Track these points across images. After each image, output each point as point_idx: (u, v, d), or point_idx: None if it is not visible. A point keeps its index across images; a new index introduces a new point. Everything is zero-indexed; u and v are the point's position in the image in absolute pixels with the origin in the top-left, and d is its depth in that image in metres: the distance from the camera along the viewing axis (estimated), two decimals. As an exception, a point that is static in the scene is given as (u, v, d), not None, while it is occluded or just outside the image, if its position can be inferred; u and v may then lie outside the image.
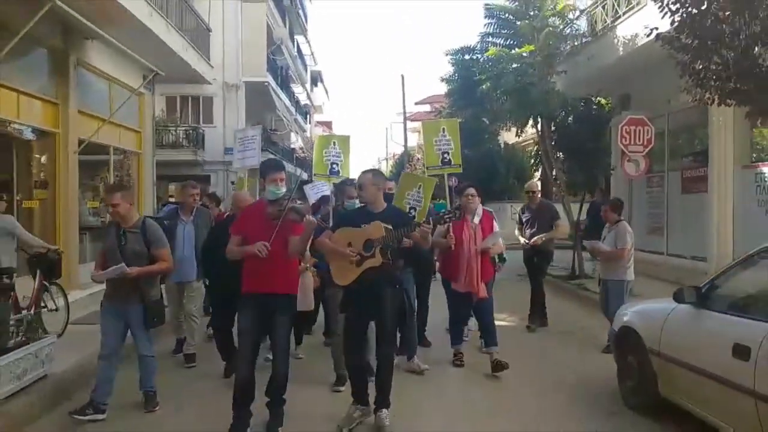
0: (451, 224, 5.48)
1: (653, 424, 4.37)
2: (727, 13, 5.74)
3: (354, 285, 4.29)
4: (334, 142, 6.89)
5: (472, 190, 5.88)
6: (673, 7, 6.16)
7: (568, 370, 5.83)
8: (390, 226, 4.11)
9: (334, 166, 6.73)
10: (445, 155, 6.36)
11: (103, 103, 10.40)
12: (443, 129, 6.47)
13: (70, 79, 8.95)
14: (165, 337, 6.67)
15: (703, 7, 5.88)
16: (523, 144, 22.50)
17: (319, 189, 7.04)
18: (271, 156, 23.44)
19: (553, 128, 12.14)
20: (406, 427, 4.41)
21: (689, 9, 5.97)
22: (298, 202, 4.37)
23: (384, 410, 4.30)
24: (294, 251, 4.20)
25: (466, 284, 5.67)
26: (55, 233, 8.70)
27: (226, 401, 4.30)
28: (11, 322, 5.09)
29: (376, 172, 4.76)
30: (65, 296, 7.05)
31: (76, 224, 9.22)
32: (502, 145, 24.97)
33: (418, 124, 46.75)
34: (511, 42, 12.58)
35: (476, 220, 5.83)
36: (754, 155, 9.36)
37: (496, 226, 6.00)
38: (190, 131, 21.45)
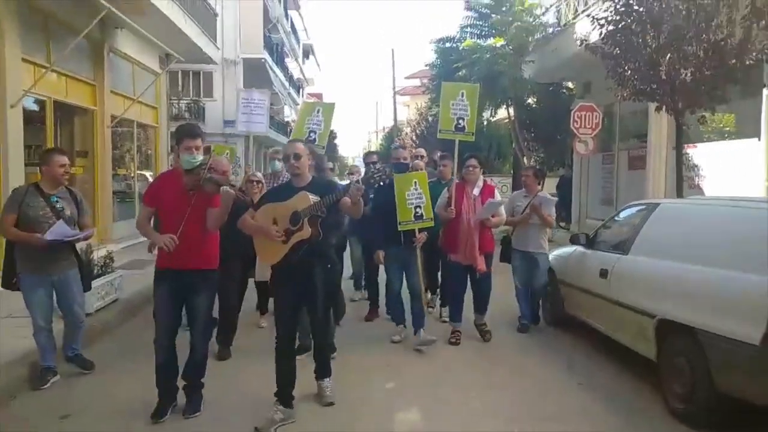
0: (451, 195, 5.59)
1: (558, 332, 6.19)
2: (639, 29, 7.41)
3: (283, 263, 3.93)
4: (319, 110, 6.41)
5: (473, 161, 5.71)
6: (602, 22, 7.81)
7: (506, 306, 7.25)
8: (317, 197, 3.80)
9: (312, 134, 6.20)
10: (460, 121, 6.01)
11: (128, 83, 11.96)
12: (462, 93, 6.10)
13: (105, 64, 10.51)
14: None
15: (622, 24, 7.54)
16: (505, 121, 24.32)
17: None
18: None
19: (521, 111, 13.80)
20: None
21: (611, 25, 7.63)
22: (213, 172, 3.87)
23: (326, 379, 4.22)
24: (212, 225, 3.92)
25: (466, 256, 5.59)
26: (93, 196, 10.32)
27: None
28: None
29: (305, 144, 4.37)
30: None
31: (110, 188, 10.86)
32: (485, 123, 26.72)
33: (408, 98, 48.09)
34: (486, 33, 14.14)
35: (476, 191, 5.68)
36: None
37: (497, 196, 5.80)
38: (192, 104, 22.88)
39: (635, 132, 12.70)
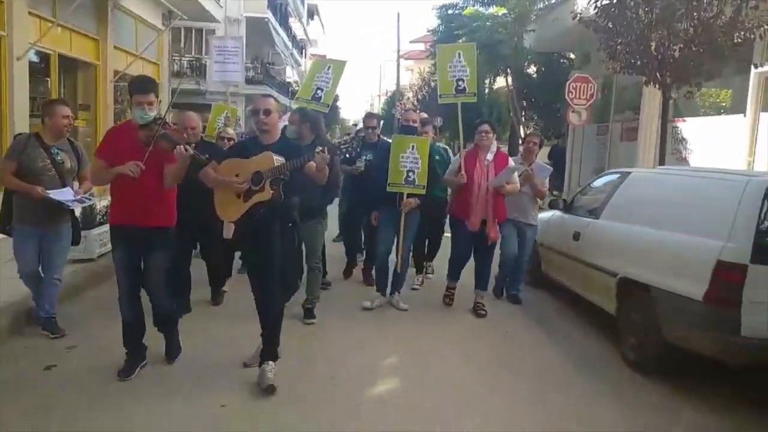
0: (462, 161, 5.53)
1: (535, 289, 6.54)
2: (632, 3, 7.58)
3: (242, 222, 3.85)
4: (329, 67, 6.07)
5: (486, 126, 5.63)
6: (597, -4, 7.98)
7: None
8: (282, 158, 3.65)
9: (319, 91, 5.89)
10: (460, 83, 5.88)
11: (131, 39, 12.10)
12: (459, 53, 5.96)
13: (108, 19, 10.65)
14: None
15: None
16: (505, 90, 24.44)
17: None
18: (268, 89, 25.02)
19: (520, 80, 13.97)
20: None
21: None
22: (174, 126, 3.94)
23: (270, 363, 3.83)
24: (169, 182, 3.83)
25: (474, 223, 5.51)
26: (95, 149, 10.54)
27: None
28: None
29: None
30: None
31: (113, 142, 11.12)
32: (487, 90, 26.80)
33: (412, 63, 47.81)
34: (488, 0, 14.20)
35: (489, 157, 5.56)
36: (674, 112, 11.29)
37: (511, 163, 5.65)
38: (194, 62, 22.90)
39: (630, 104, 12.89)
